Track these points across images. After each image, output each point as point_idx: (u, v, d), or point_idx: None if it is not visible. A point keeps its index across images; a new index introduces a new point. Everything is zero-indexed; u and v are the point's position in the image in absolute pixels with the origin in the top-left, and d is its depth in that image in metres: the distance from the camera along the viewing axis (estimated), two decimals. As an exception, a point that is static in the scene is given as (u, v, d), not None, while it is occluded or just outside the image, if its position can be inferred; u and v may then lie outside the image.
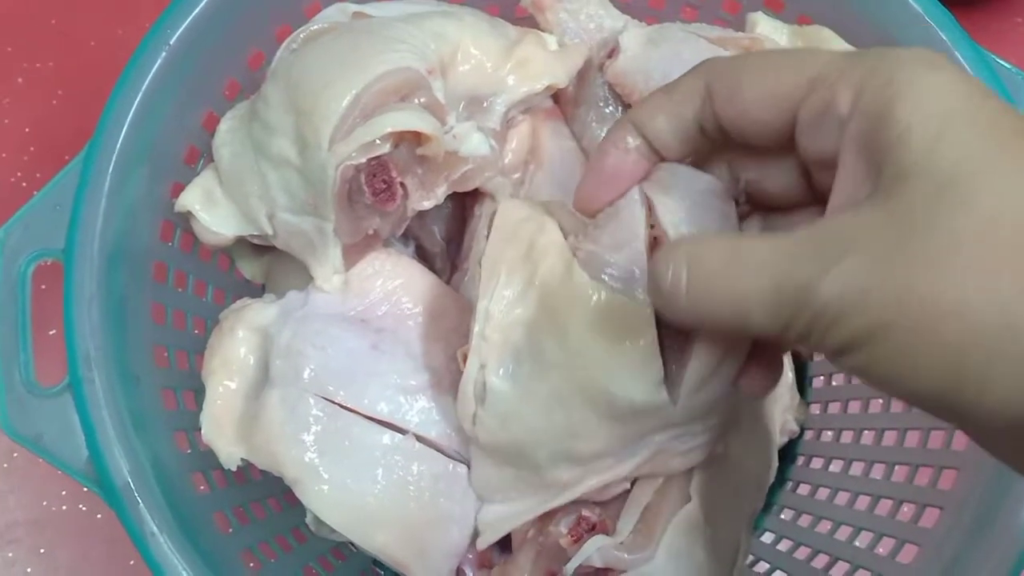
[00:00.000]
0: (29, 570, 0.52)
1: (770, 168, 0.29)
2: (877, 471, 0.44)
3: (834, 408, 0.49)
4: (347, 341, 0.38)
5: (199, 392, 0.40)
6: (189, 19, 0.40)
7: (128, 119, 0.39)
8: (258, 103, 0.40)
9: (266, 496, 0.44)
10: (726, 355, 0.30)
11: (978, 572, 0.35)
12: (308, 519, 0.38)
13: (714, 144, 0.29)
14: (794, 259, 0.22)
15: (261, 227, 0.40)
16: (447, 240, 0.47)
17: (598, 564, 0.36)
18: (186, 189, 0.42)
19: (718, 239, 0.25)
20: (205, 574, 0.35)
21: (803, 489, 0.48)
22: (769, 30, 0.45)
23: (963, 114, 0.22)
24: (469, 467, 0.38)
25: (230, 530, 0.41)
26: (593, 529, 0.37)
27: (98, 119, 0.39)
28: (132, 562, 0.52)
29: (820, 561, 0.43)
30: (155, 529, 0.35)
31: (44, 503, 0.53)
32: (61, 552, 0.52)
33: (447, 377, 0.39)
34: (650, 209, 0.30)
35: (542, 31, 0.46)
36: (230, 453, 0.38)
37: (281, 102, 0.38)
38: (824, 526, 0.44)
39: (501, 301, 0.33)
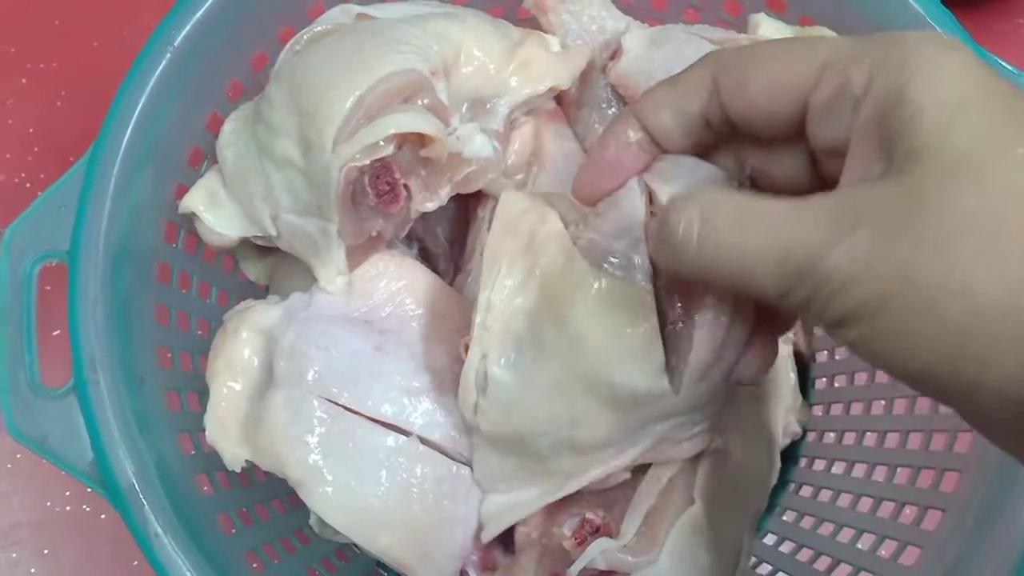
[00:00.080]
0: (33, 571, 0.52)
1: (775, 157, 0.29)
2: (879, 473, 0.44)
3: (837, 410, 0.49)
4: (351, 343, 0.38)
5: (203, 393, 0.40)
6: (193, 20, 0.40)
7: (132, 120, 0.39)
8: (262, 104, 0.40)
9: (270, 497, 0.44)
10: (727, 343, 0.29)
11: (980, 574, 0.35)
12: (312, 521, 0.38)
13: (719, 136, 0.29)
14: (805, 225, 0.23)
15: (265, 228, 0.40)
16: (450, 242, 0.47)
17: (602, 566, 0.36)
18: (190, 190, 0.42)
19: (731, 196, 0.25)
20: (209, 575, 0.35)
21: (806, 491, 0.48)
22: (771, 31, 0.45)
23: (976, 97, 0.22)
24: (472, 467, 0.38)
25: (234, 531, 0.41)
26: (597, 531, 0.37)
27: (102, 120, 0.39)
28: (136, 563, 0.52)
29: (823, 563, 0.43)
30: (159, 530, 0.35)
31: (48, 504, 0.53)
32: (65, 553, 0.52)
33: (451, 378, 0.38)
34: (651, 197, 0.30)
35: (545, 32, 0.46)
36: (234, 454, 0.38)
37: (285, 103, 0.38)
38: (827, 528, 0.45)
39: (502, 291, 0.33)
